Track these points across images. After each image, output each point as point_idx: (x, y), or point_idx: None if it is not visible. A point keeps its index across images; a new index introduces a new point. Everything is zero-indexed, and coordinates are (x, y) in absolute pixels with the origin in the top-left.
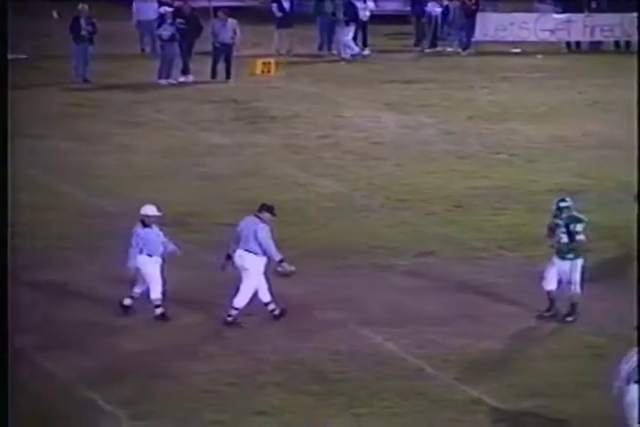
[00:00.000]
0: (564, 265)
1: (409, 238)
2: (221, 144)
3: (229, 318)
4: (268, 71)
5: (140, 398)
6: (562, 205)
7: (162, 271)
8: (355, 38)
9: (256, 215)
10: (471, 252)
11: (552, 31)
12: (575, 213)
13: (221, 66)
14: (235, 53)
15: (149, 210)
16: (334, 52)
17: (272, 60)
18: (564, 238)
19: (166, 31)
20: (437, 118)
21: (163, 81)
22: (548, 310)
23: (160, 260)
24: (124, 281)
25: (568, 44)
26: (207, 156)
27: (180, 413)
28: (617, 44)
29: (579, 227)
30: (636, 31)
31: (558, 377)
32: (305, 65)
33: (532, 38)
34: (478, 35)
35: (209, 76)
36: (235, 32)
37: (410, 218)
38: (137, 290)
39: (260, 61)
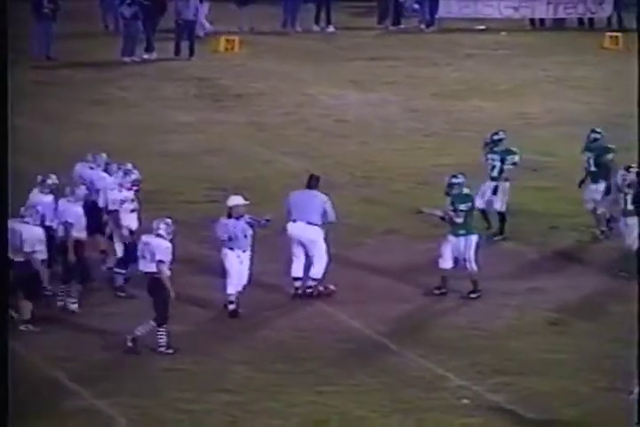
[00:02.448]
0: (459, 242)
1: (374, 216)
2: (186, 122)
3: (310, 290)
4: (232, 49)
5: (104, 376)
6: (453, 181)
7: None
8: (318, 16)
9: (309, 187)
10: (436, 229)
11: (516, 8)
12: (464, 191)
13: (185, 44)
14: (208, 29)
15: (236, 200)
16: (298, 29)
17: (236, 38)
18: (455, 217)
19: (129, 9)
20: (402, 96)
21: (126, 59)
22: (438, 288)
23: (243, 253)
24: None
25: (532, 20)
26: (172, 133)
27: (145, 391)
28: (580, 21)
29: (463, 207)
30: (599, 8)
31: (523, 354)
32: (269, 43)
33: (496, 15)
34: (442, 12)
35: (172, 53)
36: (197, 9)
37: (375, 195)
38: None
39: (223, 39)
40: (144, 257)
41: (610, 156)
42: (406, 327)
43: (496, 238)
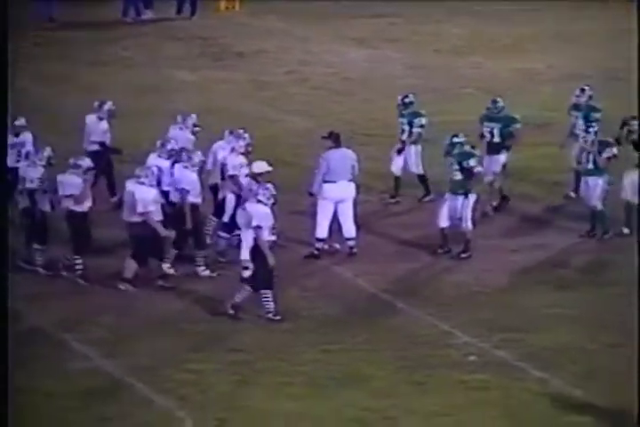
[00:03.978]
0: (457, 201)
1: (378, 174)
2: (189, 81)
3: (354, 249)
4: (233, 7)
5: (111, 337)
6: (455, 140)
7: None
8: None
9: (337, 146)
10: (438, 186)
11: None
12: (467, 149)
13: (186, 2)
14: None
15: (260, 168)
16: None
17: None
18: (458, 175)
19: None
20: (404, 53)
21: (128, 18)
22: (441, 247)
23: None
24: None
25: None
26: (175, 92)
27: (152, 351)
28: None
29: (472, 162)
30: None
31: (528, 311)
32: (270, 1)
33: None
34: None
35: (173, 12)
36: None
37: (378, 153)
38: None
39: None
40: (242, 223)
41: (597, 115)
42: (412, 286)
43: (426, 199)
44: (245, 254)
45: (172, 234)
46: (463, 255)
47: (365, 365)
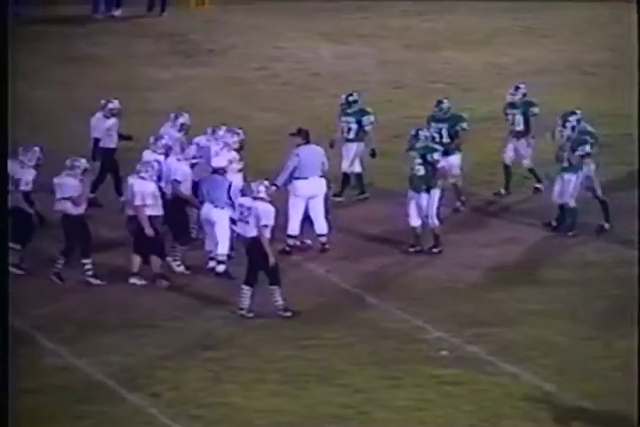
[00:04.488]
0: (422, 199)
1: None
2: (159, 78)
3: (326, 245)
4: (203, 3)
5: (83, 334)
6: (420, 133)
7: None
8: None
9: (307, 142)
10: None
11: None
12: (431, 143)
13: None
14: None
15: (219, 162)
16: None
17: None
18: (421, 170)
19: None
20: (374, 48)
21: (98, 15)
22: (412, 246)
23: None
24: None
25: None
26: (145, 90)
27: (125, 348)
28: None
29: (436, 156)
30: None
31: (500, 305)
32: None
33: None
34: None
35: (142, 9)
36: None
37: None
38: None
39: None
40: (246, 221)
41: (536, 109)
42: (383, 281)
43: (359, 197)
44: (224, 249)
45: (152, 232)
46: (435, 250)
47: (339, 360)
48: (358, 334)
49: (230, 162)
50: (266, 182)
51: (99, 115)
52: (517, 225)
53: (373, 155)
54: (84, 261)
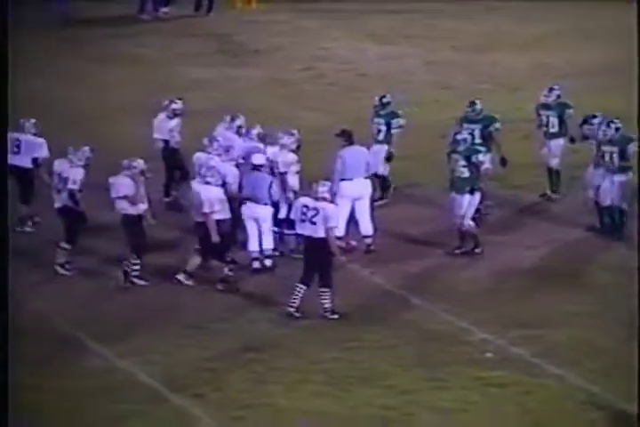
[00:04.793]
0: (463, 200)
1: (395, 169)
2: (204, 78)
3: (371, 247)
4: (249, 4)
5: (126, 335)
6: (458, 137)
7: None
8: None
9: (350, 143)
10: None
11: None
12: (474, 145)
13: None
14: None
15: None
16: None
17: None
18: (465, 173)
19: None
20: (421, 49)
21: (144, 15)
22: (458, 248)
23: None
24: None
25: None
26: (189, 90)
27: (167, 349)
28: None
29: (481, 157)
30: None
31: (545, 307)
32: None
33: None
34: None
35: (190, 9)
36: None
37: (395, 149)
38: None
39: None
40: (312, 222)
41: (571, 111)
42: (428, 282)
43: (378, 203)
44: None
45: (218, 239)
46: (477, 251)
47: (383, 362)
48: (403, 335)
49: (290, 164)
50: (328, 183)
51: (162, 115)
52: (561, 227)
53: (389, 158)
54: (134, 261)
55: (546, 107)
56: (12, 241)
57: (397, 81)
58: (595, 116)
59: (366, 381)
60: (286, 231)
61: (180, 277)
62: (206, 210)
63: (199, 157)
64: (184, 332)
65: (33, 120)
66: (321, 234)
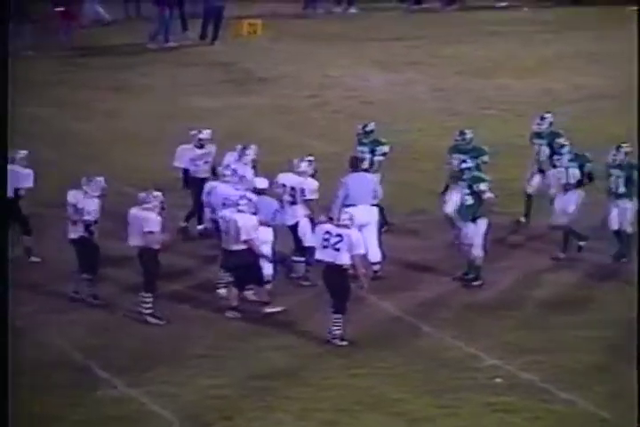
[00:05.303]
0: (469, 228)
1: (401, 197)
2: (210, 107)
3: (379, 273)
4: (255, 32)
5: (134, 364)
6: (463, 166)
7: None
8: None
9: (356, 170)
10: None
11: None
12: (477, 173)
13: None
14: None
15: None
16: (320, 10)
17: (258, 21)
18: (469, 200)
19: None
20: (426, 75)
21: (153, 45)
22: (466, 274)
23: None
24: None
25: None
26: (196, 119)
27: (178, 378)
28: None
29: (482, 186)
30: None
31: (553, 332)
32: (291, 25)
33: None
34: None
35: (194, 37)
36: None
37: (401, 176)
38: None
39: (245, 22)
40: (336, 248)
41: (562, 140)
42: (436, 308)
43: (383, 229)
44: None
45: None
46: (475, 284)
47: (392, 389)
48: (412, 361)
49: (315, 190)
50: (350, 210)
51: (187, 145)
52: (569, 250)
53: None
54: (145, 294)
55: (538, 135)
56: (21, 271)
57: (403, 108)
58: (563, 146)
59: (376, 408)
60: (295, 258)
61: (230, 314)
62: (244, 237)
63: (214, 186)
64: (193, 361)
65: (24, 152)
66: (343, 261)
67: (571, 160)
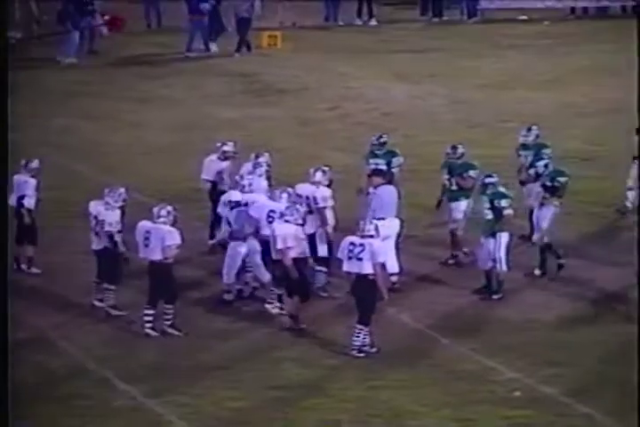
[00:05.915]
0: (489, 243)
1: (421, 209)
2: (230, 118)
3: (396, 285)
4: (275, 44)
5: (153, 375)
6: (487, 181)
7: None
8: (360, 9)
9: (383, 183)
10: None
11: None
12: (501, 189)
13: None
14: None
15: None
16: (340, 23)
17: (278, 33)
18: (489, 215)
19: (206, 4)
20: (446, 88)
21: (192, 53)
22: (486, 287)
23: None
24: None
25: (572, 9)
26: (216, 130)
27: (195, 389)
28: (623, 8)
29: (503, 202)
30: None
31: (574, 345)
32: (312, 37)
33: (539, 5)
34: (484, 2)
35: (216, 49)
36: (252, 6)
37: (421, 189)
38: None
39: (266, 34)
40: (359, 258)
41: (548, 151)
42: (455, 321)
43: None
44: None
45: (297, 275)
46: (495, 297)
47: (410, 401)
48: (430, 374)
49: (328, 198)
50: (375, 221)
51: (212, 157)
52: (595, 264)
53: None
54: (167, 306)
55: (524, 147)
56: (25, 282)
57: (423, 120)
58: (542, 159)
59: (393, 420)
60: (317, 268)
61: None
62: (279, 246)
63: (254, 199)
64: (211, 372)
65: (36, 161)
66: (367, 270)
67: (548, 175)
